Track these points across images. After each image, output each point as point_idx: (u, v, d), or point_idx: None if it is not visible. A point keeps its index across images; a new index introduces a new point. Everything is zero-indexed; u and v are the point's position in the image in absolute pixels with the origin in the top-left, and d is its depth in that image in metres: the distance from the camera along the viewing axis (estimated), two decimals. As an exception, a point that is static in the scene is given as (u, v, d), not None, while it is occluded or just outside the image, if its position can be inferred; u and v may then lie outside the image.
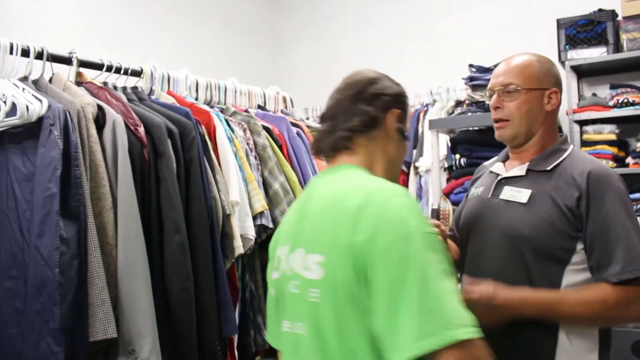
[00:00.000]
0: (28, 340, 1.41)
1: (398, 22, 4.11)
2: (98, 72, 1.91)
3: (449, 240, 1.55)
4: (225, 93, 2.32)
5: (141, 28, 3.41)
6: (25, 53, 1.69)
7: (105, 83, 1.87)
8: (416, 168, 3.44)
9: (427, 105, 3.64)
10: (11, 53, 1.65)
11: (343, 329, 0.97)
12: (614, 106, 2.97)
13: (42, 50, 1.73)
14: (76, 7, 3.07)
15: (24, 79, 1.67)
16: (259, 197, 1.96)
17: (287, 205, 2.04)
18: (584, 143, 3.04)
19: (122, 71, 1.96)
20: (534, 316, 1.29)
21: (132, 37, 3.31)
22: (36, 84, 1.67)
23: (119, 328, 1.49)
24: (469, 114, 3.14)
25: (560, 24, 3.16)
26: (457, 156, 3.18)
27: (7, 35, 1.68)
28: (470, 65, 3.23)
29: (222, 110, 2.20)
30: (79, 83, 1.79)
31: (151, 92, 2.04)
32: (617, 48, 3.02)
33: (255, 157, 2.08)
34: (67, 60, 1.81)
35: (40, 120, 1.49)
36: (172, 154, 1.70)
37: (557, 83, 1.49)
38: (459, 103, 3.39)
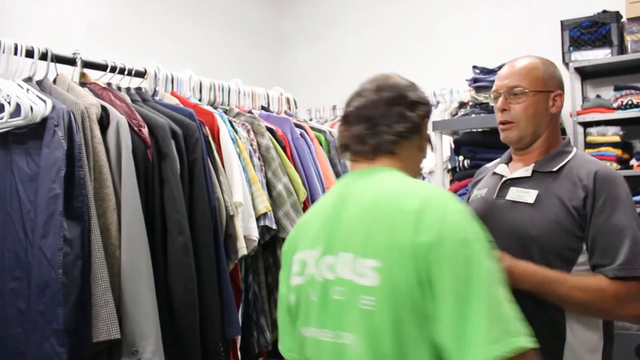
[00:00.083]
0: (31, 340, 1.41)
1: (401, 23, 4.10)
2: (102, 73, 1.91)
3: None
4: (229, 94, 2.32)
5: (145, 29, 3.41)
6: (29, 54, 1.69)
7: (109, 84, 1.87)
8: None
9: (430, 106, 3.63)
10: (15, 54, 1.65)
11: (401, 338, 0.94)
12: (618, 108, 2.96)
13: (47, 51, 1.73)
14: (80, 8, 3.07)
15: (28, 80, 1.67)
16: (263, 198, 1.96)
17: (290, 207, 2.04)
18: (588, 145, 3.03)
19: (125, 72, 1.96)
20: (531, 290, 1.30)
21: (136, 38, 3.31)
22: (40, 84, 1.68)
23: (122, 329, 1.49)
24: (473, 115, 3.13)
25: (564, 25, 3.16)
26: (461, 158, 3.17)
27: (11, 36, 1.69)
28: (474, 67, 3.23)
29: (225, 111, 2.20)
30: (82, 84, 1.80)
31: (155, 93, 2.04)
32: (622, 49, 3.00)
33: (259, 158, 2.08)
34: (71, 61, 1.81)
35: (44, 121, 1.49)
36: (175, 155, 1.70)
37: (561, 86, 1.51)
38: (462, 104, 3.38)
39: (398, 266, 0.95)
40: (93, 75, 1.87)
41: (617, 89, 3.04)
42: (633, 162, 2.93)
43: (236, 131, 2.04)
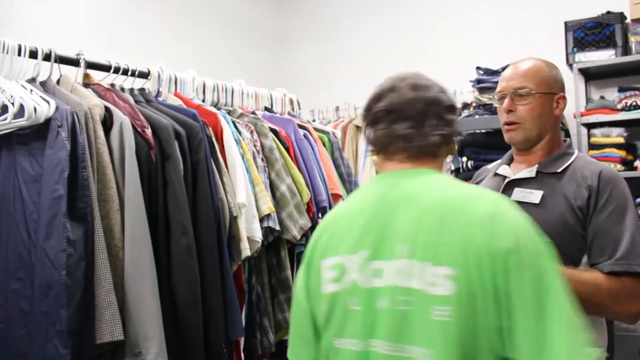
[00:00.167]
0: (35, 342, 1.40)
1: (404, 24, 4.10)
2: (105, 73, 1.91)
3: None
4: (232, 95, 2.32)
5: (148, 30, 3.41)
6: (33, 55, 1.69)
7: (112, 85, 1.87)
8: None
9: (433, 107, 3.63)
10: (19, 54, 1.65)
11: (475, 351, 0.89)
12: (622, 109, 2.95)
13: (50, 51, 1.73)
14: (83, 9, 3.07)
15: (32, 81, 1.67)
16: (266, 199, 1.96)
17: (294, 208, 2.04)
18: (592, 146, 3.02)
19: (129, 73, 1.96)
20: None
21: (139, 39, 3.31)
22: (44, 85, 1.68)
23: (125, 330, 1.49)
24: (476, 116, 3.13)
25: (568, 26, 3.15)
26: (464, 159, 3.16)
27: (14, 37, 1.69)
28: (478, 68, 3.22)
29: (229, 112, 2.20)
30: (86, 85, 1.80)
31: (158, 93, 2.04)
32: (626, 51, 2.99)
33: (262, 159, 2.07)
34: (74, 62, 1.81)
35: (47, 121, 1.49)
36: (179, 155, 1.69)
37: (563, 88, 1.54)
38: (465, 106, 3.38)
39: (476, 274, 0.89)
40: (97, 76, 1.87)
41: (621, 90, 3.04)
42: (637, 163, 2.93)
43: (239, 132, 2.04)
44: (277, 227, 1.97)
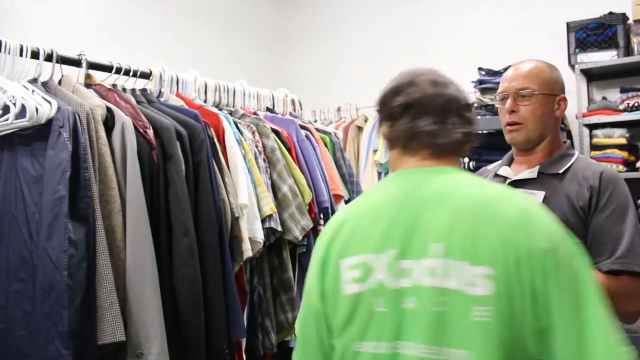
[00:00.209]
0: (36, 342, 1.40)
1: (406, 24, 4.09)
2: (107, 74, 1.91)
3: None
4: (234, 95, 2.32)
5: (150, 30, 3.41)
6: (35, 55, 1.69)
7: (114, 85, 1.87)
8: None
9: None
10: (21, 55, 1.65)
11: (514, 354, 0.87)
12: (624, 110, 2.95)
13: (52, 52, 1.73)
14: (84, 9, 3.07)
15: (34, 81, 1.67)
16: (268, 200, 1.96)
17: (295, 208, 2.03)
18: (594, 147, 3.02)
19: (131, 73, 1.96)
20: None
21: (141, 39, 3.31)
22: (45, 85, 1.68)
23: (127, 331, 1.49)
24: (478, 117, 3.12)
25: (570, 27, 3.14)
26: (466, 160, 3.16)
27: (15, 37, 1.68)
28: (480, 69, 3.22)
29: (230, 113, 2.20)
30: (88, 85, 1.80)
31: (160, 94, 2.04)
32: (628, 51, 2.99)
33: (264, 160, 2.07)
34: (76, 62, 1.81)
35: (49, 122, 1.49)
36: (181, 156, 1.69)
37: (564, 90, 1.55)
38: (467, 106, 3.37)
39: (515, 274, 0.87)
40: (98, 76, 1.87)
41: (623, 91, 3.03)
42: (639, 164, 2.92)
43: (241, 133, 2.04)
44: (279, 228, 1.97)
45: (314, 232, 2.19)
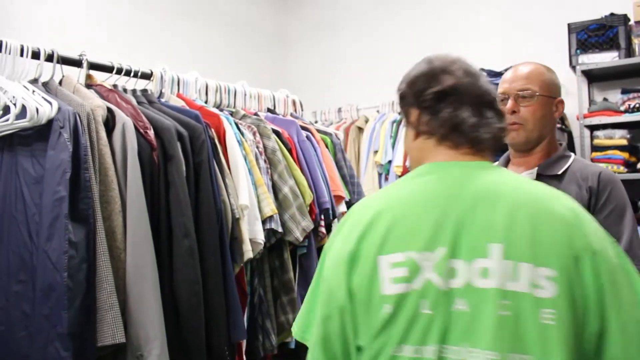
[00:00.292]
0: (36, 344, 1.40)
1: (407, 26, 4.09)
2: (108, 74, 1.90)
3: None
4: (235, 96, 2.31)
5: (150, 31, 3.41)
6: (35, 55, 1.68)
7: (115, 85, 1.87)
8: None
9: (436, 109, 3.63)
10: (22, 55, 1.65)
11: (576, 356, 0.85)
12: (625, 111, 2.94)
13: (53, 52, 1.72)
14: (84, 9, 3.07)
15: (34, 81, 1.66)
16: (269, 201, 1.95)
17: (296, 209, 2.03)
18: (595, 148, 3.02)
19: (131, 74, 1.96)
20: None
21: (142, 40, 3.31)
22: (46, 86, 1.67)
23: (127, 333, 1.48)
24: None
25: (571, 28, 3.14)
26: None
27: (15, 37, 1.68)
28: (481, 69, 3.21)
29: (231, 114, 2.20)
30: (88, 85, 1.79)
31: (161, 94, 2.04)
32: (629, 53, 2.99)
33: (265, 161, 2.07)
34: (77, 63, 1.80)
35: (50, 122, 1.48)
36: (181, 157, 1.69)
37: (560, 92, 1.59)
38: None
39: (575, 275, 0.85)
40: (99, 77, 1.87)
41: (624, 92, 3.03)
42: (640, 165, 2.92)
43: (242, 133, 2.03)
44: (280, 229, 1.96)
45: (315, 233, 2.18)
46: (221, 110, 2.17)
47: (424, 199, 0.95)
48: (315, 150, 2.33)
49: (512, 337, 0.84)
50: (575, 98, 3.12)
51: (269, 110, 2.48)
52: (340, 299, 0.93)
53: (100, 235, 1.47)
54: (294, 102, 2.65)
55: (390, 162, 3.50)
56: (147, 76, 2.02)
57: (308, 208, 2.10)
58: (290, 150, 2.19)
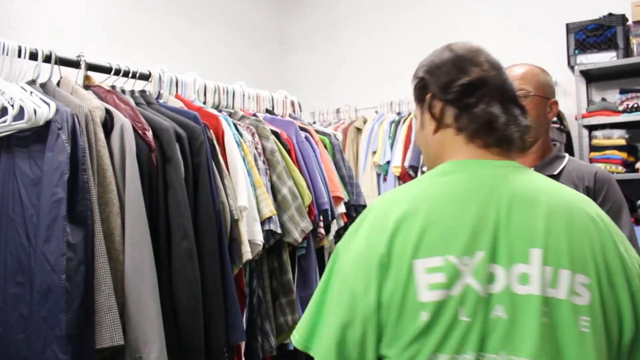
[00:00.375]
0: (34, 346, 1.39)
1: (405, 26, 4.09)
2: (106, 75, 1.90)
3: None
4: (234, 97, 2.31)
5: (149, 32, 3.40)
6: (33, 56, 1.67)
7: (113, 86, 1.86)
8: (423, 173, 3.42)
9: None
10: (19, 56, 1.64)
11: None
12: (624, 111, 2.95)
13: (50, 53, 1.72)
14: (83, 10, 3.06)
15: (32, 83, 1.65)
16: (267, 202, 1.94)
17: (295, 211, 2.02)
18: (593, 148, 3.02)
19: (130, 75, 1.95)
20: None
21: (140, 40, 3.30)
22: (44, 87, 1.66)
23: (125, 335, 1.47)
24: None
25: (569, 28, 3.15)
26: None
27: (14, 38, 1.67)
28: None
29: (230, 115, 2.19)
30: (86, 86, 1.78)
31: (159, 95, 2.03)
32: (627, 53, 3.00)
33: (264, 162, 2.06)
34: (75, 64, 1.80)
35: (47, 124, 1.47)
36: (180, 158, 1.68)
37: (554, 94, 1.60)
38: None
39: (607, 282, 0.84)
40: (97, 77, 1.86)
41: (622, 92, 3.04)
42: (638, 165, 2.93)
43: (241, 134, 2.03)
44: (279, 230, 1.96)
45: (314, 234, 2.18)
46: (220, 111, 2.16)
47: (457, 199, 0.89)
48: (314, 151, 2.32)
49: (553, 344, 0.81)
50: (573, 98, 3.13)
51: (267, 111, 2.48)
52: (367, 305, 0.86)
53: (99, 237, 1.46)
54: (292, 103, 2.65)
55: (388, 162, 3.50)
56: (145, 77, 2.02)
57: (307, 209, 2.09)
58: (289, 151, 2.18)
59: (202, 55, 3.71)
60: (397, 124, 3.55)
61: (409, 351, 0.84)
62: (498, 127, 0.93)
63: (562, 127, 3.14)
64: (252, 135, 2.08)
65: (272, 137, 2.13)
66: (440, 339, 0.82)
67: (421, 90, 1.02)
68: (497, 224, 0.85)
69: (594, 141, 3.02)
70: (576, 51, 3.11)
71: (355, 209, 2.53)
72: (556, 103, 1.57)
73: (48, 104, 1.49)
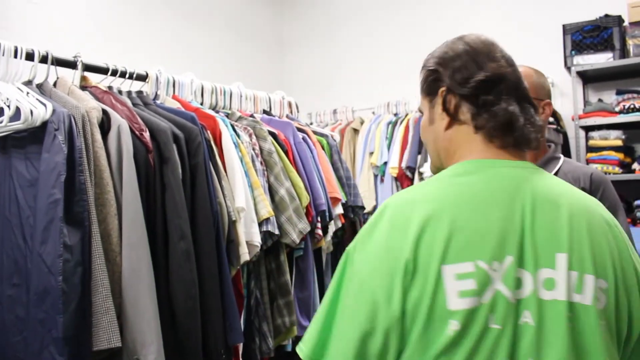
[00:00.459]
0: (30, 348, 1.38)
1: (403, 28, 4.09)
2: (103, 76, 1.89)
3: None
4: (231, 98, 2.30)
5: (146, 32, 3.39)
6: (29, 57, 1.67)
7: (110, 87, 1.85)
8: (421, 174, 3.42)
9: (431, 110, 3.63)
10: (15, 57, 1.63)
11: None
12: (620, 112, 2.96)
13: (47, 53, 1.71)
14: (81, 10, 3.05)
15: (28, 83, 1.65)
16: (265, 203, 1.94)
17: (293, 212, 2.02)
18: (590, 149, 3.03)
19: (127, 75, 1.94)
20: None
21: (137, 41, 3.29)
22: (40, 88, 1.65)
23: (123, 337, 1.46)
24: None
25: (566, 29, 3.15)
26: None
27: (11, 39, 1.66)
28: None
29: (227, 115, 2.18)
30: (83, 87, 1.78)
31: (156, 96, 2.02)
32: (624, 54, 3.00)
33: (261, 163, 2.06)
34: (71, 64, 1.79)
35: (44, 124, 1.46)
36: (177, 159, 1.67)
37: (550, 96, 1.59)
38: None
39: (622, 286, 0.84)
40: (94, 78, 1.85)
41: (619, 93, 3.05)
42: (635, 166, 2.93)
43: (238, 135, 2.02)
44: (276, 231, 1.95)
45: (311, 235, 2.17)
46: (217, 112, 2.16)
47: (482, 201, 0.85)
48: (312, 152, 2.32)
49: (579, 350, 0.80)
50: (570, 99, 3.13)
51: (264, 111, 2.47)
52: (390, 314, 0.80)
53: (96, 238, 1.45)
54: (289, 104, 2.64)
55: (385, 163, 3.49)
56: (142, 78, 2.01)
57: (304, 210, 2.09)
58: (286, 152, 2.18)
59: (199, 56, 3.70)
60: (394, 124, 3.55)
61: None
62: (518, 127, 0.90)
63: (558, 127, 3.15)
64: (250, 136, 2.08)
65: (270, 138, 2.13)
66: (472, 349, 0.78)
67: (433, 83, 0.97)
68: (523, 227, 0.83)
69: (591, 142, 3.03)
70: (573, 52, 3.11)
71: (352, 210, 2.53)
72: (549, 104, 1.56)
73: (45, 105, 1.48)
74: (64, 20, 2.94)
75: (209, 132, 1.90)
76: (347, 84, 4.25)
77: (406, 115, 3.57)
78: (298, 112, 2.73)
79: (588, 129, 3.08)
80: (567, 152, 3.17)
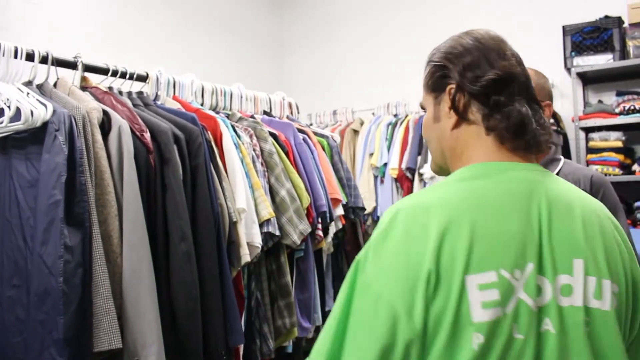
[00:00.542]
0: (31, 350, 1.37)
1: (403, 29, 4.09)
2: (103, 76, 1.89)
3: None
4: (231, 98, 2.30)
5: (147, 33, 3.39)
6: (30, 57, 1.66)
7: (110, 88, 1.85)
8: (420, 175, 3.42)
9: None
10: (15, 57, 1.63)
11: None
12: (620, 113, 2.96)
13: (47, 54, 1.70)
14: (81, 11, 3.04)
15: (29, 84, 1.64)
16: (266, 204, 1.94)
17: (293, 213, 2.02)
18: (590, 150, 3.03)
19: (127, 76, 1.94)
20: None
21: (138, 42, 3.29)
22: (40, 88, 1.65)
23: (123, 338, 1.46)
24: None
25: (566, 30, 3.15)
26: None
27: (10, 39, 1.66)
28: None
29: (228, 116, 2.18)
30: (83, 88, 1.77)
31: (157, 97, 2.02)
32: (624, 55, 3.01)
33: (262, 164, 2.05)
34: (72, 65, 1.78)
35: (44, 125, 1.46)
36: (178, 160, 1.67)
37: (550, 97, 1.59)
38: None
39: (632, 290, 0.85)
40: (94, 79, 1.85)
41: (619, 94, 3.05)
42: (635, 167, 2.93)
43: (239, 136, 2.02)
44: (277, 233, 1.95)
45: (312, 236, 2.17)
46: (217, 112, 2.15)
47: (499, 206, 0.82)
48: (312, 153, 2.32)
49: (600, 355, 0.79)
50: (570, 100, 3.14)
51: (265, 112, 2.47)
52: (412, 328, 0.75)
53: (96, 239, 1.45)
54: (290, 105, 2.64)
55: (385, 164, 3.49)
56: (142, 78, 2.01)
57: (305, 211, 2.08)
58: (287, 153, 2.18)
59: (200, 57, 3.70)
60: (394, 125, 3.55)
61: None
62: (530, 130, 0.87)
63: (559, 129, 3.15)
64: (250, 137, 2.07)
65: (270, 138, 2.12)
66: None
67: (440, 79, 0.93)
68: (541, 232, 0.81)
69: (591, 143, 3.03)
70: (573, 53, 3.11)
71: (353, 211, 2.53)
72: (549, 105, 1.56)
73: (45, 105, 1.48)
74: (63, 20, 2.93)
75: (209, 133, 1.89)
76: (347, 85, 4.25)
77: (406, 116, 3.57)
78: (298, 112, 2.73)
79: (588, 130, 3.08)
80: (567, 154, 3.17)
